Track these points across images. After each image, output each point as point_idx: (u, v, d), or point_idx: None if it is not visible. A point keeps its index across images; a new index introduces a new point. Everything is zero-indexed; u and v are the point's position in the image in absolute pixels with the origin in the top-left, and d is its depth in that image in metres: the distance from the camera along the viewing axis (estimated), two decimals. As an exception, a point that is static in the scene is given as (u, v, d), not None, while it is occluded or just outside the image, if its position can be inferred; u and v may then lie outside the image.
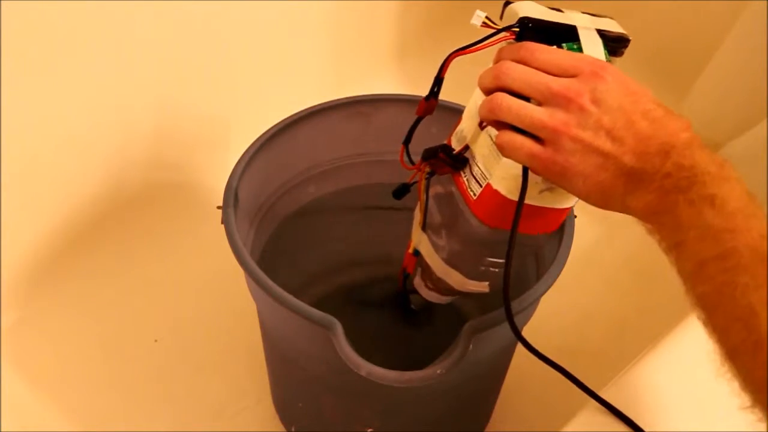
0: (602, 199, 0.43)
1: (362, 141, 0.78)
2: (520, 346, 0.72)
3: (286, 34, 1.10)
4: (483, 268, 0.59)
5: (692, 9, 1.20)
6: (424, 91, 0.56)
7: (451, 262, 0.60)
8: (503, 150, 0.46)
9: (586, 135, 0.42)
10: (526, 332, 0.67)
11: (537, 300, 0.59)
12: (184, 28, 0.95)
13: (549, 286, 0.58)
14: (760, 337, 0.34)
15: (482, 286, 0.60)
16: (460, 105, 0.64)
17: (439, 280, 0.62)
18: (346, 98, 0.75)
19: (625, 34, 0.49)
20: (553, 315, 0.76)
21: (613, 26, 0.49)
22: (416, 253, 0.64)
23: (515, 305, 0.56)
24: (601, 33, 0.48)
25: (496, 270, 0.59)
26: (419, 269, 0.66)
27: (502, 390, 0.80)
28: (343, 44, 1.20)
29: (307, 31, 1.13)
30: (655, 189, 0.40)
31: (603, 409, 0.52)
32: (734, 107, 1.13)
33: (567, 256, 0.60)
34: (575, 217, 0.64)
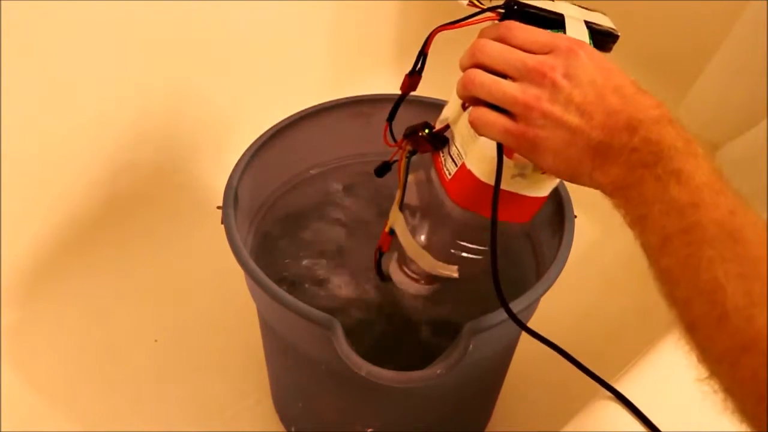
0: (571, 174, 0.43)
1: (362, 141, 0.78)
2: (520, 346, 0.72)
3: (287, 35, 1.10)
4: (454, 251, 0.60)
5: (692, 9, 1.20)
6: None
7: (423, 242, 0.60)
8: (475, 126, 0.46)
9: (556, 109, 0.42)
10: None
11: (537, 300, 0.59)
12: (184, 28, 0.95)
13: (549, 286, 0.58)
14: (725, 310, 0.34)
15: (452, 270, 0.60)
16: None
17: (411, 261, 0.62)
18: (347, 98, 0.75)
19: (615, 30, 0.49)
20: (553, 315, 0.76)
21: (604, 21, 0.49)
22: (391, 232, 0.64)
23: (515, 306, 0.56)
24: (589, 25, 0.48)
25: (467, 255, 0.59)
26: (395, 253, 0.65)
27: (502, 390, 0.80)
28: (343, 44, 1.20)
29: (307, 31, 1.13)
30: (622, 163, 0.40)
31: (603, 408, 0.52)
32: (733, 108, 1.13)
33: (567, 256, 0.60)
34: (575, 216, 0.64)
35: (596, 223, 0.99)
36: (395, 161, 0.61)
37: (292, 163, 0.77)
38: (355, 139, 0.78)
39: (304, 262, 0.83)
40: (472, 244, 0.59)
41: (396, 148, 0.59)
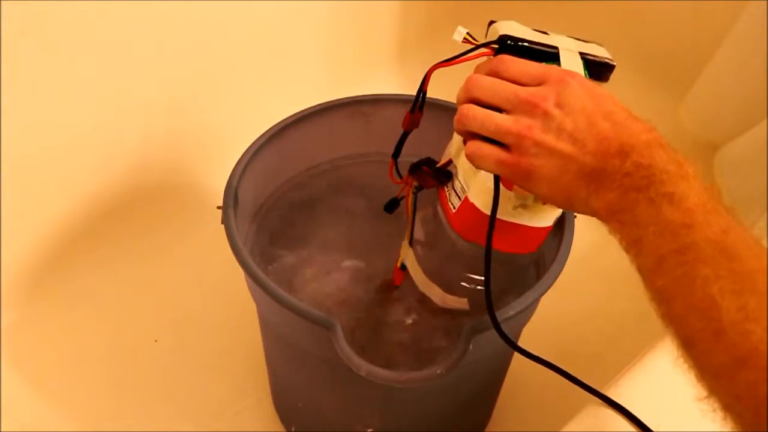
0: (567, 201, 0.44)
1: (362, 141, 0.78)
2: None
3: (286, 34, 1.10)
4: (463, 284, 0.60)
5: (691, 10, 1.20)
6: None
7: (432, 276, 0.61)
8: (471, 159, 0.46)
9: (549, 138, 0.43)
10: (525, 333, 0.68)
11: (537, 301, 0.59)
12: (183, 29, 0.95)
13: (548, 287, 0.58)
14: (721, 326, 0.34)
15: (462, 303, 0.61)
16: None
17: (423, 295, 0.63)
18: (346, 98, 0.75)
19: (611, 60, 0.49)
20: (553, 316, 0.76)
21: (599, 51, 0.50)
22: (403, 267, 0.64)
23: (514, 306, 0.56)
24: (585, 56, 0.48)
25: (477, 287, 0.60)
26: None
27: (502, 390, 0.80)
28: (343, 44, 1.20)
29: (306, 31, 1.13)
30: (616, 188, 0.41)
31: (603, 408, 0.52)
32: (733, 108, 1.13)
33: (567, 257, 0.60)
34: (575, 217, 0.64)
35: (596, 224, 0.99)
36: (404, 197, 0.62)
37: (292, 163, 0.77)
38: (355, 140, 0.78)
39: (305, 261, 0.83)
40: (480, 276, 0.59)
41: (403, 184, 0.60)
